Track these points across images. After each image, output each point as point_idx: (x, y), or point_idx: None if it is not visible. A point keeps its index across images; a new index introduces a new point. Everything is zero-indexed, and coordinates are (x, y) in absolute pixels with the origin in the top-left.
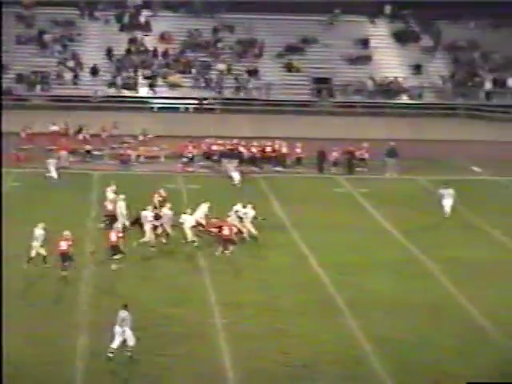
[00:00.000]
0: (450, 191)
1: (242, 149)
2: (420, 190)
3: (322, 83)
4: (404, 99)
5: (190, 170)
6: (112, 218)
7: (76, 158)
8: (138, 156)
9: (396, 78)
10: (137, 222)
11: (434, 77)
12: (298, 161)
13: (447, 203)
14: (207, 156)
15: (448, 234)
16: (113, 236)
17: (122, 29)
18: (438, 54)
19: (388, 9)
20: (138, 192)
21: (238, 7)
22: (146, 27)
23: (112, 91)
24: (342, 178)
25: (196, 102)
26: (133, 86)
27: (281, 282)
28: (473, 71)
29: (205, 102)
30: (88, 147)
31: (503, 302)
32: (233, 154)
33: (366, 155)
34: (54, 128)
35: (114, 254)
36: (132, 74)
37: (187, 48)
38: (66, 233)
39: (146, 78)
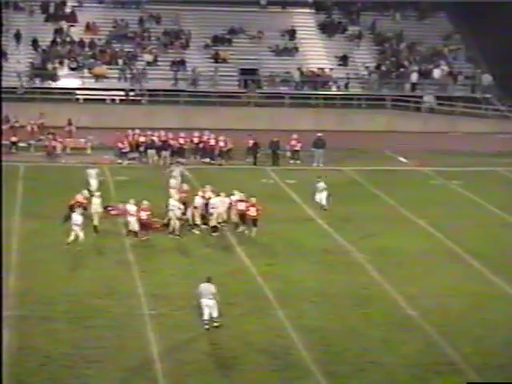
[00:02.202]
0: (322, 184)
1: (170, 140)
2: (347, 180)
3: (249, 74)
4: (331, 90)
5: (118, 161)
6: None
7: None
8: (64, 148)
9: (323, 69)
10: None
11: (361, 68)
12: (223, 153)
13: (322, 196)
14: (135, 147)
15: (374, 224)
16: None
17: (48, 19)
18: (364, 44)
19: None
20: (65, 184)
21: None
22: (72, 18)
23: (37, 82)
24: (270, 169)
25: (122, 93)
26: (59, 77)
27: (208, 273)
28: (399, 62)
29: (131, 93)
30: (14, 139)
31: (429, 290)
32: (161, 145)
33: (299, 146)
34: None
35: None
36: (58, 65)
37: (113, 39)
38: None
39: (71, 69)
